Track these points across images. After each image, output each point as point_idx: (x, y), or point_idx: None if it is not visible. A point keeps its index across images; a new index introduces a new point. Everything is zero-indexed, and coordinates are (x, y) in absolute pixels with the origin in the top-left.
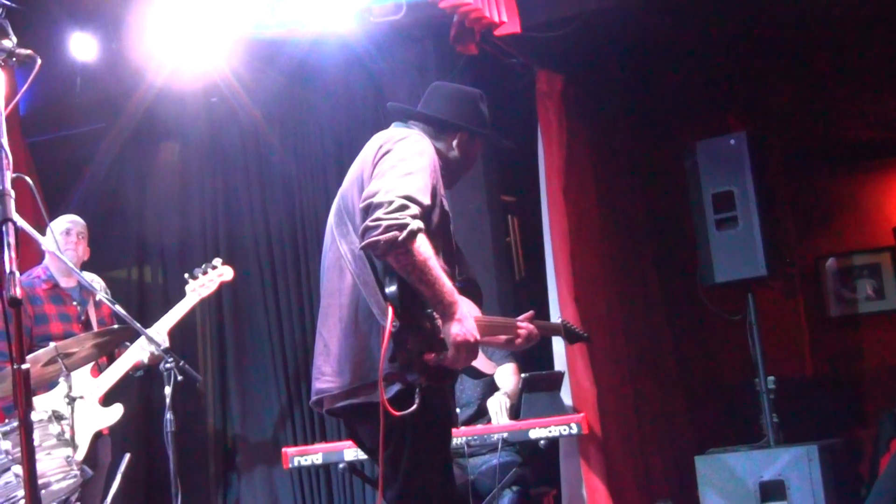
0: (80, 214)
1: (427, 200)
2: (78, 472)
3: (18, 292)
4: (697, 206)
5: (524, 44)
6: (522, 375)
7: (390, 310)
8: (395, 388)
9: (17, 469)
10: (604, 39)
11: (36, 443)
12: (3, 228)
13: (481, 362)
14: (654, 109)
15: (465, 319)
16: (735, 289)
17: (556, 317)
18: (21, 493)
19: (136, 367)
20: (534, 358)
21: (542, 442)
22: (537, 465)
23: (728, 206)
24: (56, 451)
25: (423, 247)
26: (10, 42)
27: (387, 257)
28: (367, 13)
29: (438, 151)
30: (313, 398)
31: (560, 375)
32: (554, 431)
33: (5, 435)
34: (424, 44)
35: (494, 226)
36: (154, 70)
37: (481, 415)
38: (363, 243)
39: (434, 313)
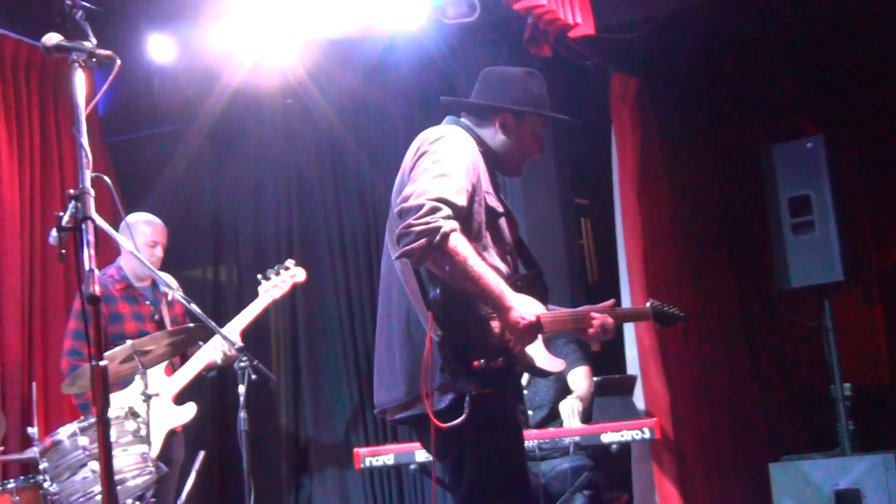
0: (156, 214)
1: (462, 201)
2: (153, 469)
3: (97, 290)
4: (773, 210)
5: (598, 46)
6: (595, 379)
7: (430, 318)
8: (448, 398)
9: (94, 465)
10: (678, 41)
11: (112, 439)
12: (83, 227)
13: (547, 360)
14: (729, 112)
15: (518, 305)
16: (811, 294)
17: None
18: (98, 488)
19: (208, 368)
20: (606, 362)
21: (614, 446)
22: (609, 469)
23: (805, 210)
24: (132, 448)
25: (461, 246)
26: (89, 43)
27: (425, 263)
28: (441, 14)
29: (483, 141)
30: (376, 409)
31: (633, 379)
32: (626, 436)
33: (83, 431)
34: (498, 45)
35: (567, 228)
36: (230, 72)
37: (553, 418)
38: (398, 253)
39: (487, 314)
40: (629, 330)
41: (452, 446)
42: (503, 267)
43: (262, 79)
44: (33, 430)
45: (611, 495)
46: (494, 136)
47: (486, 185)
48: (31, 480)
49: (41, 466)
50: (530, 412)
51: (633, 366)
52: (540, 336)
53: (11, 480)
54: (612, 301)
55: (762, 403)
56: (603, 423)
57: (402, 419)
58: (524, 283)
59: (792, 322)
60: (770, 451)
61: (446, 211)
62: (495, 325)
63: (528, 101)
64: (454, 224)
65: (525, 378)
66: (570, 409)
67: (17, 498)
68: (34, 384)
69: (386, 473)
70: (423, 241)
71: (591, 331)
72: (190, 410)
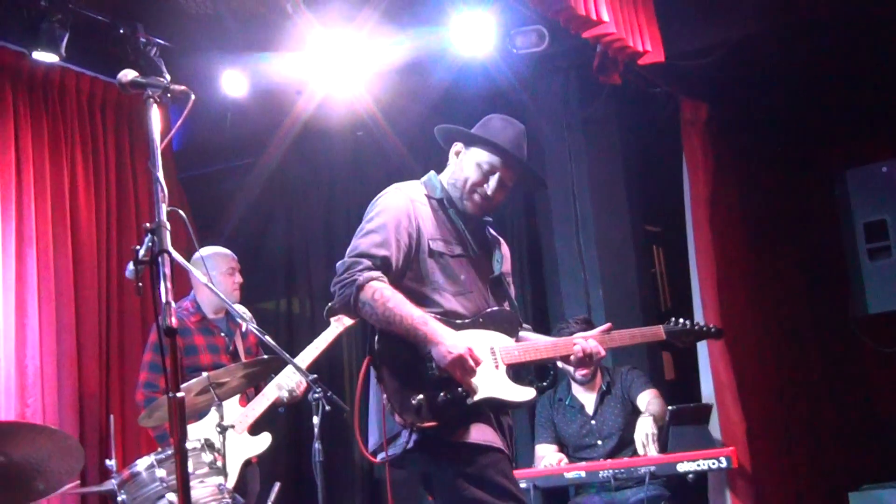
0: (229, 247)
1: (383, 252)
2: (230, 500)
3: (174, 322)
4: (849, 235)
5: (668, 73)
6: (670, 408)
7: (365, 362)
8: (402, 439)
9: (172, 496)
10: (748, 67)
11: (189, 471)
12: (160, 260)
13: (513, 391)
14: (801, 137)
15: (447, 339)
16: (890, 320)
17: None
18: None
19: (276, 405)
20: (680, 391)
21: (690, 476)
22: (685, 499)
23: (881, 235)
24: (209, 479)
25: (378, 293)
26: (164, 79)
27: (357, 315)
28: (510, 44)
29: (439, 188)
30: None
31: (708, 408)
32: (703, 465)
33: (160, 463)
34: (567, 74)
35: (639, 256)
36: (301, 105)
37: (624, 445)
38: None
39: (426, 353)
40: (704, 358)
41: (432, 482)
42: (459, 307)
43: (333, 112)
44: (111, 463)
45: None
46: (448, 171)
47: (431, 232)
48: None
49: (119, 499)
50: (599, 442)
51: (708, 395)
52: (503, 369)
53: None
54: (607, 325)
55: (840, 432)
56: (679, 453)
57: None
58: (486, 318)
59: (870, 348)
60: (849, 480)
61: (365, 263)
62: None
63: (482, 132)
64: (371, 274)
65: (591, 408)
66: (644, 435)
67: None
68: (112, 416)
69: None
70: (343, 296)
71: (572, 357)
72: (265, 441)
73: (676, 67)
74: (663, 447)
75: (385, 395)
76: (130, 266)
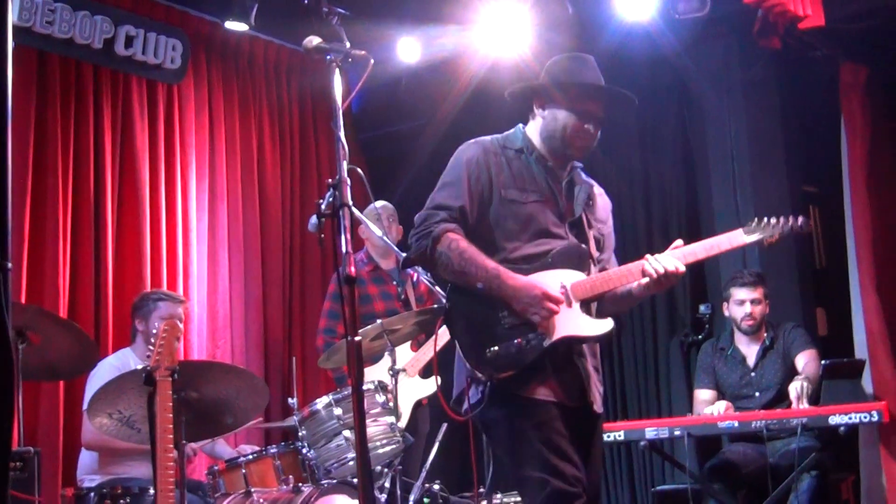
0: (403, 205)
1: (459, 202)
2: (400, 439)
3: (353, 271)
4: None
5: (828, 36)
6: (823, 362)
7: (440, 318)
8: (479, 390)
9: (348, 433)
10: None
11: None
12: (341, 213)
13: (590, 325)
14: None
15: (520, 286)
16: None
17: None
18: (351, 454)
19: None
20: (834, 346)
21: (841, 428)
22: (836, 451)
23: None
24: (381, 419)
25: (455, 243)
26: (345, 45)
27: (432, 266)
28: (673, 10)
29: (529, 135)
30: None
31: (861, 363)
32: (854, 418)
33: (337, 402)
34: (728, 39)
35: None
36: (471, 70)
37: (781, 399)
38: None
39: (497, 302)
40: (857, 314)
41: (492, 432)
42: (532, 251)
43: (501, 74)
44: (293, 401)
45: (838, 476)
46: (537, 124)
47: (504, 181)
48: (291, 446)
49: (300, 434)
50: (757, 394)
51: (861, 350)
52: (576, 305)
53: (273, 446)
54: (678, 241)
55: None
56: (831, 406)
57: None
58: (555, 258)
59: None
60: None
61: (441, 215)
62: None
63: (560, 80)
64: (448, 225)
65: (753, 360)
66: (797, 391)
67: (279, 462)
68: (294, 359)
69: (616, 449)
70: (420, 248)
71: (649, 280)
72: (433, 383)
73: (836, 31)
74: (815, 402)
75: (460, 351)
76: (313, 219)
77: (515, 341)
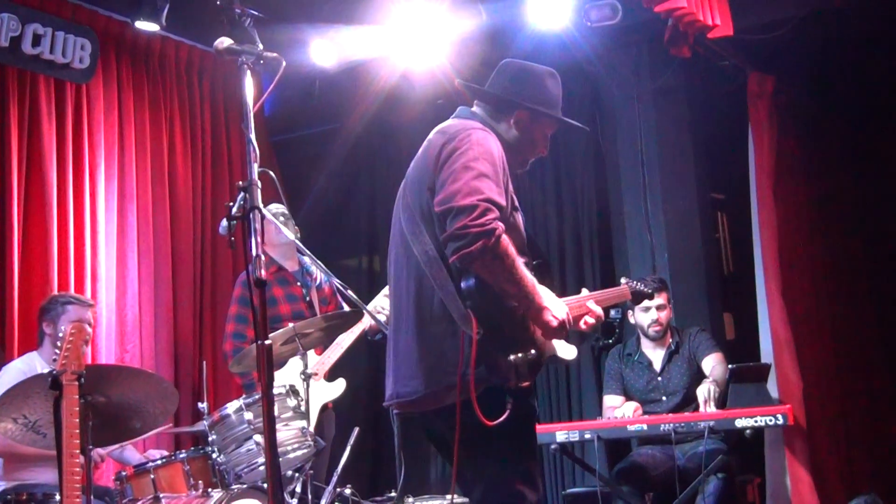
0: (315, 208)
1: (503, 201)
2: (312, 443)
3: (263, 274)
4: None
5: (736, 46)
6: (730, 366)
7: (472, 316)
8: (480, 391)
9: (258, 438)
10: (816, 41)
11: (275, 414)
12: (251, 216)
13: (565, 349)
14: (867, 111)
15: (551, 305)
16: None
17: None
18: (261, 459)
19: (374, 332)
20: (741, 351)
21: (747, 431)
22: (742, 453)
23: None
24: (292, 423)
25: (510, 248)
26: (257, 47)
27: (475, 265)
28: (585, 18)
29: (498, 133)
30: (386, 401)
31: (767, 367)
32: (760, 421)
33: (248, 407)
34: (639, 47)
35: (704, 222)
36: (384, 75)
37: (687, 403)
38: (455, 255)
39: (515, 309)
40: (764, 319)
41: (478, 442)
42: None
43: (415, 81)
44: (203, 406)
45: (744, 478)
46: (508, 130)
47: (509, 182)
48: (201, 451)
49: (210, 439)
50: (664, 398)
51: (766, 355)
52: None
53: (183, 451)
54: (584, 291)
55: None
56: (737, 409)
57: (419, 412)
58: (537, 272)
59: None
60: None
61: (496, 212)
62: (523, 319)
63: (546, 102)
64: (503, 226)
65: (659, 365)
66: (705, 394)
67: (188, 467)
68: (204, 363)
69: None
70: (480, 243)
71: (583, 324)
72: (340, 386)
73: (745, 41)
74: (722, 405)
75: (479, 353)
76: (224, 222)
77: (532, 351)
